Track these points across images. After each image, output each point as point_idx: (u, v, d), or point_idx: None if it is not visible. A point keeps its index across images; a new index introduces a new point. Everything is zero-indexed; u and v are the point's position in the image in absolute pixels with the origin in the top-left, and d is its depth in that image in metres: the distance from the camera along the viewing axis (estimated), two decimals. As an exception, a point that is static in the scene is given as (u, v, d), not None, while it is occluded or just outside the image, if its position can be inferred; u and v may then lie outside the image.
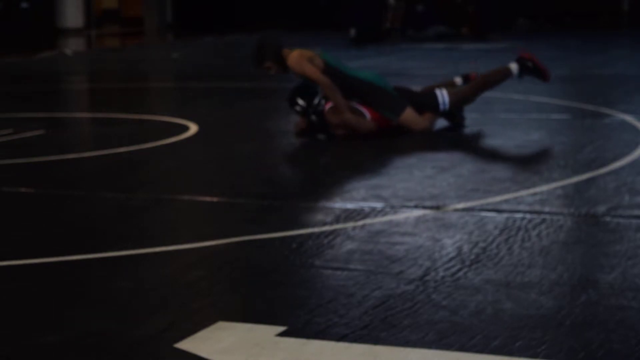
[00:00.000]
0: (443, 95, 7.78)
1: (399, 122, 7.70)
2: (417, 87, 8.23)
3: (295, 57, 7.63)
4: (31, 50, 18.76)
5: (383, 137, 7.60)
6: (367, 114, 7.73)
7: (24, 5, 23.15)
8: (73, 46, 21.35)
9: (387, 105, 7.70)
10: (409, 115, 7.70)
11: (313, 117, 7.58)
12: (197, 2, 26.84)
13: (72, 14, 25.46)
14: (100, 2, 29.94)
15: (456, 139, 7.59)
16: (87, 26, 26.13)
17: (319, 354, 3.15)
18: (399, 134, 7.65)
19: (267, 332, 3.33)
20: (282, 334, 3.31)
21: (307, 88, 7.64)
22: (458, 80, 8.08)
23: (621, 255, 4.20)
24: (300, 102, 7.58)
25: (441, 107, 7.78)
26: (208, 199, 5.59)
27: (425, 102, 7.80)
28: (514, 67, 7.90)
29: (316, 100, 7.59)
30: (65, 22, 25.23)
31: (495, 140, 7.48)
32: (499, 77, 7.97)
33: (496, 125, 7.96)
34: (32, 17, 23.07)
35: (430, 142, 7.44)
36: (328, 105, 7.65)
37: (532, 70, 7.93)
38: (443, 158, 6.73)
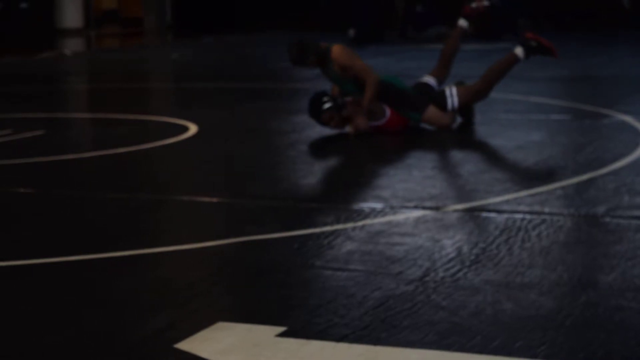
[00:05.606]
0: (452, 95, 7.76)
1: (422, 120, 7.71)
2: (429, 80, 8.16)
3: (341, 48, 7.73)
4: (31, 50, 18.75)
5: (383, 137, 7.59)
6: (388, 111, 7.72)
7: (24, 5, 23.15)
8: (73, 46, 21.34)
9: (408, 106, 7.71)
10: (432, 112, 7.71)
11: (345, 112, 7.65)
12: (197, 2, 26.83)
13: (71, 14, 25.43)
14: (100, 2, 29.92)
15: (456, 139, 7.59)
16: (86, 26, 26.11)
17: (319, 354, 3.15)
18: (399, 134, 7.65)
19: (266, 333, 3.33)
20: (282, 334, 3.31)
21: (321, 95, 7.66)
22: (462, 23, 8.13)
23: (621, 255, 4.20)
24: (326, 100, 7.63)
25: (449, 107, 7.76)
26: (208, 199, 5.59)
27: (435, 100, 7.78)
28: (519, 51, 7.84)
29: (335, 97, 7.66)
30: (64, 23, 25.21)
31: (495, 141, 7.48)
32: (506, 65, 7.89)
33: (496, 125, 7.96)
34: (32, 17, 23.07)
35: (430, 142, 7.44)
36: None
37: (537, 49, 7.87)
38: (443, 158, 6.73)
